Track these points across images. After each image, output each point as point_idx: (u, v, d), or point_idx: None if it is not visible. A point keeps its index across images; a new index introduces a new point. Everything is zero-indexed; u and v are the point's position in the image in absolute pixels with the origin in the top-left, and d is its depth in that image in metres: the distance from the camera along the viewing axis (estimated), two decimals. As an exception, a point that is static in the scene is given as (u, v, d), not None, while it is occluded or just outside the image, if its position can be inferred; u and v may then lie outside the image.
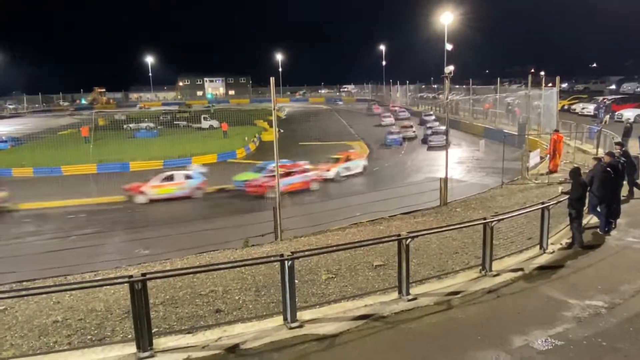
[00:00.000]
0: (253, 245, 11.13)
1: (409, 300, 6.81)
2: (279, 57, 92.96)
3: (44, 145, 33.57)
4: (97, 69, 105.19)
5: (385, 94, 73.73)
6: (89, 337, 6.33)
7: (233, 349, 5.77)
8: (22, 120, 62.13)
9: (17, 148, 34.80)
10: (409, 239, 6.82)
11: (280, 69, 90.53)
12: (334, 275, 8.07)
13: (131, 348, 5.74)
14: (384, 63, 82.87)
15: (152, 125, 44.12)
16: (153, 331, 5.90)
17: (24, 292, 6.88)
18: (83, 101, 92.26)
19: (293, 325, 6.17)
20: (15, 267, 10.45)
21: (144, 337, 5.71)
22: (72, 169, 27.20)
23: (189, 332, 6.22)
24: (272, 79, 10.69)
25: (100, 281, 6.38)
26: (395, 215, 13.11)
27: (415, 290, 7.12)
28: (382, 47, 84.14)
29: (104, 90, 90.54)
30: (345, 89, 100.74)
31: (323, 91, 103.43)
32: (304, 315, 6.41)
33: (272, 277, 7.88)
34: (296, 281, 6.48)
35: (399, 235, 6.89)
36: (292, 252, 6.29)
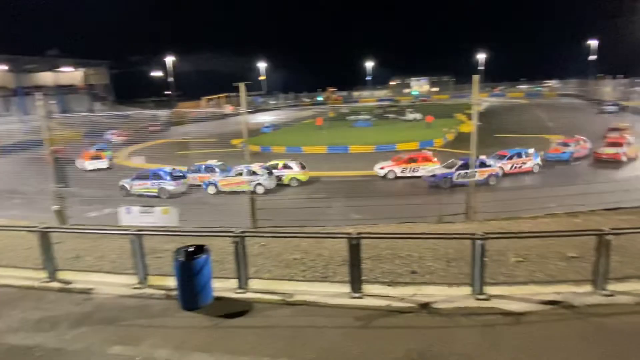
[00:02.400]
0: (445, 223, 10.86)
1: (605, 296, 5.82)
2: (480, 56, 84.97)
3: (292, 130, 39.21)
4: (330, 72, 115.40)
5: (593, 88, 59.45)
6: (316, 274, 7.25)
7: (425, 305, 5.90)
8: (279, 112, 73.58)
9: (275, 132, 41.50)
10: (611, 235, 5.66)
11: (481, 67, 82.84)
12: (523, 260, 7.32)
13: (346, 288, 6.38)
14: (591, 57, 66.96)
15: (367, 117, 46.45)
16: (362, 278, 6.35)
17: (276, 235, 8.45)
18: (319, 98, 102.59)
19: (480, 297, 5.95)
20: (273, 216, 12.39)
21: (356, 281, 6.33)
22: (309, 149, 30.95)
23: (389, 285, 6.56)
24: (475, 77, 10.42)
25: (327, 234, 7.31)
26: (595, 211, 10.84)
27: (613, 287, 6.02)
28: (591, 42, 68.20)
29: (335, 89, 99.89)
30: (547, 84, 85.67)
31: (523, 87, 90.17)
32: (490, 290, 6.06)
33: (462, 252, 7.60)
34: (485, 259, 6.16)
35: (600, 230, 5.82)
36: (484, 233, 6.00)
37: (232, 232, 6.85)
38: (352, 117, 46.78)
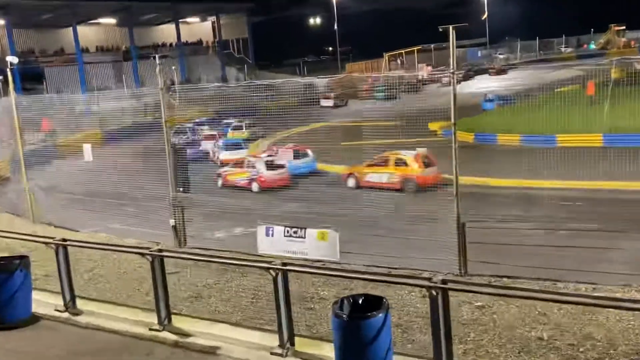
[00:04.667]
0: None
1: None
2: None
3: (535, 106, 37.65)
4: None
5: None
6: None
7: None
8: (511, 74, 71.64)
9: (504, 109, 40.51)
10: None
11: None
12: None
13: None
14: None
15: None
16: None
17: (503, 292, 7.87)
18: (591, 46, 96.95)
19: None
20: (492, 256, 12.40)
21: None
22: (570, 139, 29.13)
23: None
24: None
25: (599, 299, 6.73)
26: None
27: None
28: None
29: (623, 28, 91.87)
30: None
31: None
32: None
33: None
34: None
35: None
36: None
37: (424, 277, 6.98)
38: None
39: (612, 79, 30.88)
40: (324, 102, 42.71)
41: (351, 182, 24.29)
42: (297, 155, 26.82)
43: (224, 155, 30.50)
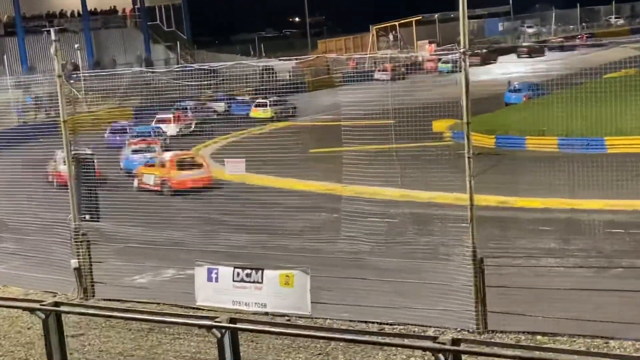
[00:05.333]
0: None
1: None
2: None
3: (578, 98, 38.07)
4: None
5: None
6: None
7: None
8: (545, 55, 72.68)
9: (534, 102, 40.92)
10: None
11: None
12: None
13: None
14: None
15: None
16: None
17: (537, 355, 8.34)
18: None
19: None
20: (521, 304, 12.61)
21: None
22: (625, 143, 29.64)
23: None
24: None
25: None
26: None
27: None
28: None
29: None
30: None
31: None
32: None
33: None
34: None
35: None
36: None
37: (429, 336, 6.99)
38: None
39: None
40: (380, 75, 43.83)
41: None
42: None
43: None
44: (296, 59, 49.47)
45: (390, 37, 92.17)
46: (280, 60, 56.12)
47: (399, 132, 23.44)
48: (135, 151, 32.50)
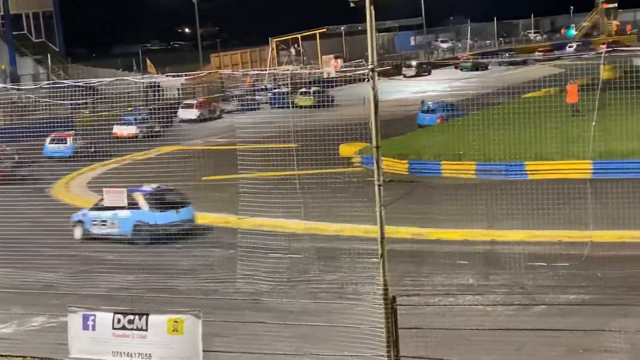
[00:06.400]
0: None
1: None
2: None
3: (496, 119, 39.03)
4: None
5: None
6: None
7: None
8: (461, 72, 74.25)
9: (451, 124, 41.62)
10: None
11: None
12: None
13: None
14: None
15: None
16: None
17: None
18: (571, 32, 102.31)
19: None
20: (438, 347, 12.84)
21: None
22: (546, 168, 30.40)
23: None
24: None
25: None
26: None
27: None
28: None
29: (614, 5, 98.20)
30: None
31: None
32: None
33: None
34: None
35: None
36: None
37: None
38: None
39: (603, 79, 32.15)
40: (407, 71, 44.35)
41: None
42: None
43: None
44: (186, 75, 49.36)
45: (292, 50, 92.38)
46: (167, 76, 55.70)
47: (302, 157, 23.57)
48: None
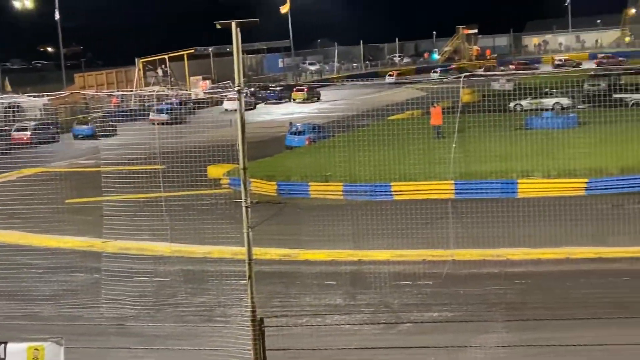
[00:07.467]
0: None
1: None
2: None
3: (362, 141, 39.55)
4: None
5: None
6: None
7: None
8: (328, 92, 75.25)
9: (319, 145, 41.96)
10: None
11: None
12: None
13: None
14: None
15: (566, 102, 45.94)
16: None
17: None
18: (434, 56, 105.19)
19: None
20: None
21: None
22: (411, 189, 31.02)
23: None
24: None
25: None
26: None
27: None
28: None
29: (475, 31, 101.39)
30: None
31: None
32: None
33: None
34: None
35: None
36: None
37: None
38: (525, 103, 47.03)
39: (461, 104, 33.02)
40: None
41: None
42: None
43: None
44: (48, 95, 48.04)
45: (160, 71, 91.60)
46: (28, 96, 54.32)
47: (169, 178, 23.33)
48: None
